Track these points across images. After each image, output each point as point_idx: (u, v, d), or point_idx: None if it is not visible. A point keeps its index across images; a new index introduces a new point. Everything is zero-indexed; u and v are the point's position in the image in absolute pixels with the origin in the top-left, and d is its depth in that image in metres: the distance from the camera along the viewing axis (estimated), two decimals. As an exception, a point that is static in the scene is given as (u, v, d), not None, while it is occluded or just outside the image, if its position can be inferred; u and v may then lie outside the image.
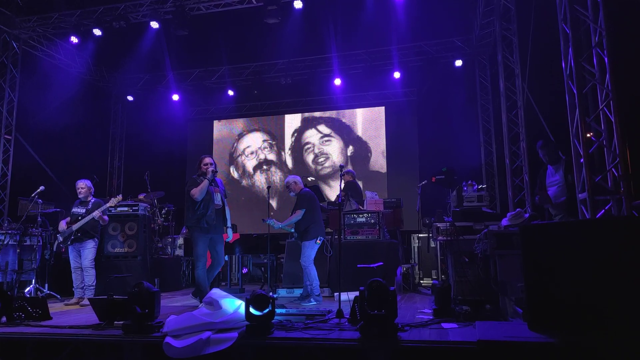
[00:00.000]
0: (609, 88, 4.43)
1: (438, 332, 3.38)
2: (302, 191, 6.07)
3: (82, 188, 6.16)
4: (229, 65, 11.77)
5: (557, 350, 2.59)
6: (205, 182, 5.33)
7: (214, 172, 5.46)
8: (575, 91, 4.69)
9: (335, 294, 5.53)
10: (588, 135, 4.63)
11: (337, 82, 11.10)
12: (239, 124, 12.94)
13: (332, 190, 11.63)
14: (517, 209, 4.72)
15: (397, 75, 10.86)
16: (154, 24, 9.22)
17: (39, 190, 6.64)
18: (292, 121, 12.55)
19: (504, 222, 4.46)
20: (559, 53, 5.06)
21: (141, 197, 8.44)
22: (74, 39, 9.47)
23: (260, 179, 12.47)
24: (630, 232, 2.65)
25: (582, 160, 4.55)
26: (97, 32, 9.28)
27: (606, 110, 4.48)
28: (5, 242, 6.73)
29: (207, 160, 5.52)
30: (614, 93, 4.36)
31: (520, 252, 3.05)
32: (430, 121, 11.06)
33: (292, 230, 6.10)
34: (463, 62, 10.54)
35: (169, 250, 8.79)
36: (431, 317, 3.98)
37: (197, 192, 5.29)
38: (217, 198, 5.50)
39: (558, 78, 5.16)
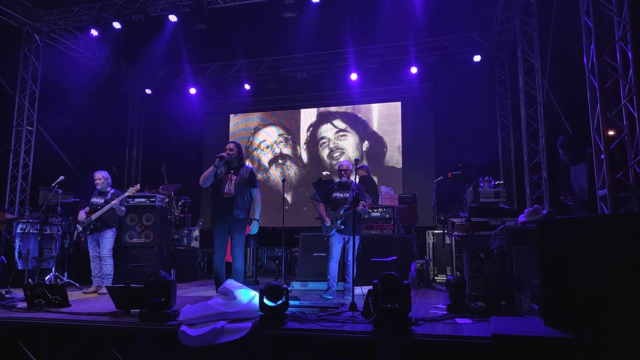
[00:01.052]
0: (632, 83, 4.33)
1: (452, 326, 3.35)
2: (353, 183, 5.75)
3: (99, 179, 6.24)
4: (245, 59, 11.81)
5: (573, 346, 2.56)
6: (210, 169, 5.10)
7: (219, 157, 5.04)
8: (596, 86, 4.61)
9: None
10: (611, 133, 4.54)
11: (354, 76, 11.06)
12: (255, 118, 12.99)
13: (347, 185, 11.61)
14: (535, 205, 4.66)
15: (414, 70, 10.76)
16: (173, 18, 9.31)
17: (59, 180, 6.79)
18: (308, 116, 12.55)
19: (521, 218, 4.41)
20: (580, 47, 4.96)
21: (161, 188, 8.55)
22: (94, 32, 9.61)
23: (275, 173, 12.52)
24: (651, 229, 2.60)
25: (602, 156, 4.47)
26: (117, 25, 9.40)
27: (629, 105, 4.39)
28: (26, 231, 6.90)
29: (227, 145, 5.22)
30: (637, 88, 4.27)
31: (537, 247, 3.01)
32: (447, 117, 10.96)
33: (339, 222, 5.52)
34: (481, 58, 10.39)
35: (185, 241, 8.89)
36: (445, 312, 3.95)
37: (201, 179, 5.12)
38: (228, 186, 5.09)
39: (579, 73, 5.07)
